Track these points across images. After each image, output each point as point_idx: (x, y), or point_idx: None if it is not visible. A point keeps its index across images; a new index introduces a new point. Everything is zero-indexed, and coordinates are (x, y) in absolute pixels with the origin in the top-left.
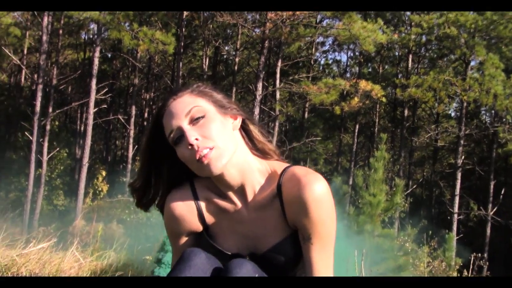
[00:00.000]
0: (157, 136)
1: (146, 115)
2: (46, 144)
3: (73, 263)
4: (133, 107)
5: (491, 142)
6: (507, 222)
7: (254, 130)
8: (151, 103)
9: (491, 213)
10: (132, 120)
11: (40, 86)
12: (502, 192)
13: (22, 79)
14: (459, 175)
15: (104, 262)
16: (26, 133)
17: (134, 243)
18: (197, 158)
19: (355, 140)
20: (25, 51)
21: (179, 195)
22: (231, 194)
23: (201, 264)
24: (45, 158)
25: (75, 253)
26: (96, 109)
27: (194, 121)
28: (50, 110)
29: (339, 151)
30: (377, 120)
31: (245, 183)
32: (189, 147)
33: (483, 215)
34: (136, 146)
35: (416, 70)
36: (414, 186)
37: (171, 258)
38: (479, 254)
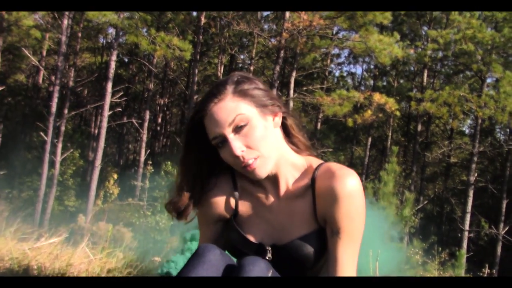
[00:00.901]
0: (197, 135)
1: (159, 120)
2: (60, 145)
3: (83, 258)
4: (147, 112)
5: (505, 160)
6: None
7: (292, 124)
8: (165, 108)
9: (503, 232)
10: (146, 124)
11: (57, 88)
12: None
13: (40, 80)
14: (471, 192)
15: (113, 260)
16: (41, 133)
17: (143, 246)
18: (242, 166)
19: (367, 153)
20: (44, 53)
21: (218, 182)
22: (265, 183)
23: (214, 261)
24: (58, 158)
25: (85, 249)
26: (110, 112)
27: (237, 128)
28: (66, 111)
29: (350, 164)
30: (390, 134)
31: (279, 174)
32: (235, 156)
33: (494, 233)
34: (149, 150)
35: (431, 85)
36: (425, 202)
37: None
38: (489, 270)
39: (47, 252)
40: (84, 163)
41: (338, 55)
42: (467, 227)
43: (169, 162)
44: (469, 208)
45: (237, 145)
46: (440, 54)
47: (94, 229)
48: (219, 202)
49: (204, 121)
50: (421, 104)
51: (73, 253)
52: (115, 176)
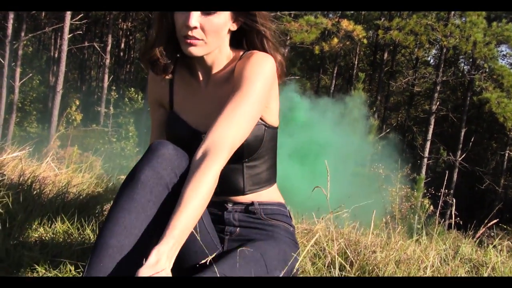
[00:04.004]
0: None
1: (122, 45)
2: (18, 70)
3: (49, 172)
4: (110, 36)
5: (467, 89)
6: (474, 168)
7: (255, 33)
8: (128, 33)
9: (460, 159)
10: (108, 49)
11: None
12: (472, 139)
13: None
14: (432, 121)
15: (80, 174)
16: None
17: (108, 171)
18: (184, 36)
19: (334, 81)
20: None
21: (162, 66)
22: (199, 70)
23: (168, 154)
24: (17, 83)
25: (50, 163)
26: (70, 35)
27: (206, 12)
28: (23, 34)
29: (316, 92)
30: (356, 63)
31: (214, 65)
32: (186, 25)
33: (452, 160)
34: (112, 76)
35: (399, 14)
36: (388, 130)
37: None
38: (446, 190)
39: (11, 165)
40: (45, 88)
41: None
42: (426, 154)
43: (132, 89)
44: (429, 136)
45: (194, 20)
46: None
47: (61, 153)
48: (158, 86)
49: None
50: (388, 32)
51: (38, 167)
52: (77, 102)
